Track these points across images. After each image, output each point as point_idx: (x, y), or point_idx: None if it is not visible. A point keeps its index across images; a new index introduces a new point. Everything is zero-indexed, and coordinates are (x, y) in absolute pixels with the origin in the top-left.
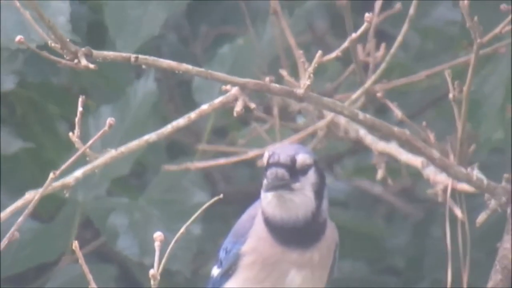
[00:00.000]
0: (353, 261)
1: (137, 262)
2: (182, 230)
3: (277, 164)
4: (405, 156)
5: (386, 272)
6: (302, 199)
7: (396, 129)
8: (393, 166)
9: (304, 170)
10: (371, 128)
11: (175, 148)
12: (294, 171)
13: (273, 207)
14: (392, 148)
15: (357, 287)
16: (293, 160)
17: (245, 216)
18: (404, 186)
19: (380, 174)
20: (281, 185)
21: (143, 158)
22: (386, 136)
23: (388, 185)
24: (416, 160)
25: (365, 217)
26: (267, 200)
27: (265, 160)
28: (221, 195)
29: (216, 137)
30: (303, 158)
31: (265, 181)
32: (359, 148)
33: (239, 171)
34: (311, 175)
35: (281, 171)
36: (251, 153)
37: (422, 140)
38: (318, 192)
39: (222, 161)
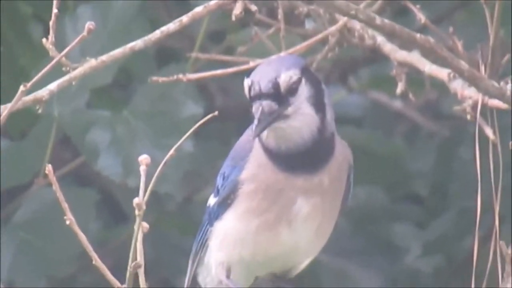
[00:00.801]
0: (369, 188)
1: (120, 183)
2: (173, 149)
3: (260, 96)
4: (429, 67)
5: (406, 200)
6: (302, 120)
7: (418, 36)
8: (415, 78)
9: (292, 89)
10: (390, 35)
11: (165, 55)
12: (281, 96)
13: (273, 140)
14: (414, 58)
15: (374, 217)
16: (276, 85)
17: (244, 137)
18: (427, 101)
19: (400, 87)
20: (272, 119)
21: (128, 65)
22: (407, 44)
23: (410, 100)
24: (441, 72)
25: (383, 136)
26: (264, 135)
27: (246, 91)
28: (216, 112)
29: (212, 43)
30: (286, 77)
31: (254, 120)
32: (376, 57)
33: (238, 82)
34: (303, 90)
35: (266, 104)
36: (252, 63)
37: (448, 49)
38: (318, 103)
39: (218, 72)
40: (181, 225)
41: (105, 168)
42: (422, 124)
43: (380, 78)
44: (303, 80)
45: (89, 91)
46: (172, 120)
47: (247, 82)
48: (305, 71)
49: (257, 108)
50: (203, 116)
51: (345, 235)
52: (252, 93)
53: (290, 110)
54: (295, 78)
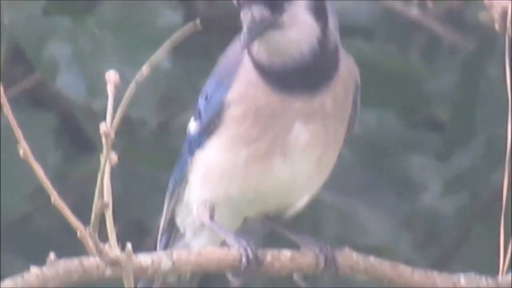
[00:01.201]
0: (380, 111)
1: (83, 106)
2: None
3: (250, 1)
4: None
5: (424, 126)
6: (299, 30)
7: None
8: None
9: None
10: None
11: None
12: (275, 1)
13: (265, 54)
14: None
15: (385, 147)
16: None
17: (231, 51)
18: (449, 9)
19: None
20: (263, 28)
21: None
22: None
23: (428, 7)
24: None
25: (397, 50)
26: (255, 47)
27: None
28: (198, 21)
29: None
30: None
31: (243, 29)
32: None
33: None
34: None
35: (257, 10)
36: None
37: None
38: (318, 10)
39: None
40: (156, 156)
41: (66, 87)
42: (442, 36)
43: None
44: None
45: None
46: (146, 31)
47: None
48: None
49: (246, 15)
50: (183, 26)
51: (351, 168)
52: None
53: (285, 17)
54: None
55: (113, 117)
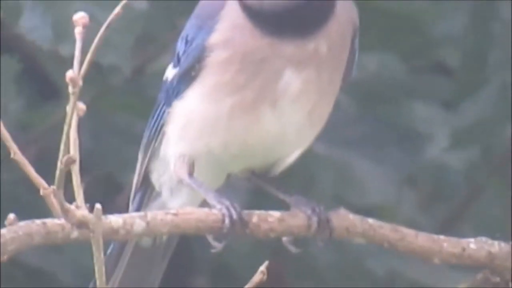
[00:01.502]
0: (381, 55)
1: (49, 51)
2: (120, 5)
3: None
4: None
5: (430, 71)
6: None
7: None
8: None
9: None
10: None
11: None
12: None
13: None
14: None
15: (387, 94)
16: None
17: None
18: None
19: None
20: None
21: None
22: None
23: None
24: None
25: None
26: None
27: None
28: None
29: None
30: None
31: None
32: None
33: None
34: None
35: None
36: None
37: None
38: None
39: None
40: (130, 104)
41: (30, 30)
42: None
43: None
44: None
45: None
46: None
47: None
48: None
49: None
50: None
51: (348, 117)
52: None
53: None
54: None
55: (81, 63)
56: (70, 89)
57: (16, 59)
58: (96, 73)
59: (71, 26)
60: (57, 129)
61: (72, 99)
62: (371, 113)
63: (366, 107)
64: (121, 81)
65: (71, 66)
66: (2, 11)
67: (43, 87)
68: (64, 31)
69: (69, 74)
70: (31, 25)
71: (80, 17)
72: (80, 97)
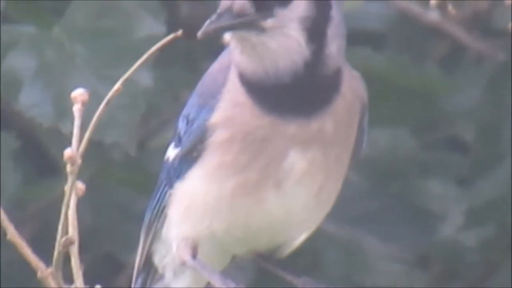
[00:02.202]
0: (393, 130)
1: (49, 128)
2: (120, 81)
3: None
4: None
5: (444, 147)
6: (282, 43)
7: None
8: None
9: None
10: None
11: None
12: (265, 0)
13: (240, 55)
14: None
15: (399, 170)
16: None
17: (215, 66)
18: (474, 13)
19: None
20: (237, 23)
21: None
22: None
23: (450, 11)
24: None
25: (412, 60)
26: (233, 44)
27: None
28: (180, 32)
29: None
30: None
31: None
32: None
33: None
34: (300, 5)
35: (240, 1)
36: None
37: None
38: (316, 31)
39: None
40: (131, 180)
41: (30, 106)
42: (466, 44)
43: None
44: None
45: None
46: (123, 41)
47: None
48: None
49: (225, 3)
50: (166, 36)
51: (359, 194)
52: None
53: (269, 22)
54: None
55: (78, 144)
56: (69, 167)
57: (14, 136)
58: (97, 148)
59: (71, 102)
60: (56, 205)
61: (70, 178)
62: (383, 190)
63: (377, 184)
64: (122, 155)
65: (71, 142)
66: (0, 86)
67: (41, 163)
68: (64, 108)
69: (68, 152)
70: (31, 102)
71: (79, 93)
72: (80, 172)
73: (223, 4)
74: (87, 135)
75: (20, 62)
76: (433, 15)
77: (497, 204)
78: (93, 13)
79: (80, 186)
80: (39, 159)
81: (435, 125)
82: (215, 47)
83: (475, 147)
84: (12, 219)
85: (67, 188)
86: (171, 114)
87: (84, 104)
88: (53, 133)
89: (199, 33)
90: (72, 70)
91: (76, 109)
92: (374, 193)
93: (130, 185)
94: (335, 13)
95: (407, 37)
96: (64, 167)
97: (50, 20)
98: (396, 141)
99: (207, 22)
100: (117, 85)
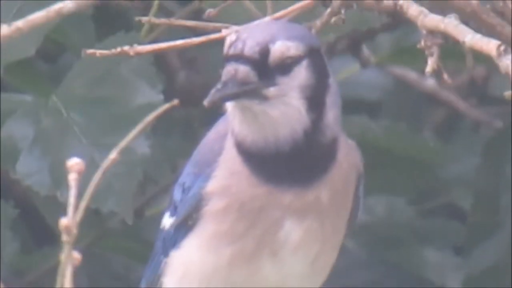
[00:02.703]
0: (389, 198)
1: (46, 196)
2: (116, 150)
3: (240, 57)
4: (470, 38)
5: (442, 215)
6: (283, 111)
7: None
8: (453, 49)
9: (285, 66)
10: None
11: (110, 18)
12: (267, 69)
13: (240, 124)
14: (450, 25)
15: (396, 238)
16: (265, 52)
17: (211, 135)
18: (470, 81)
19: (431, 65)
20: (241, 91)
21: (58, 33)
22: (441, 8)
23: (446, 79)
24: (488, 44)
25: (408, 128)
26: (232, 114)
27: (225, 48)
28: (176, 101)
29: (174, 3)
30: (283, 47)
31: (217, 84)
32: (399, 21)
33: (209, 55)
34: (301, 73)
35: (243, 69)
36: (225, 31)
37: (497, 14)
38: (315, 99)
39: (178, 42)
40: (128, 248)
41: (27, 175)
42: (462, 111)
43: (405, 48)
44: (305, 62)
45: (3, 67)
46: (121, 110)
47: (231, 37)
48: (313, 53)
49: (228, 71)
50: (163, 103)
51: (355, 262)
52: (230, 52)
53: (272, 91)
54: (294, 53)
55: (74, 214)
56: (65, 237)
57: (12, 204)
58: (94, 216)
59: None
60: (54, 273)
61: (66, 247)
62: (379, 258)
63: (373, 252)
64: (119, 223)
65: (67, 211)
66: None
67: (38, 231)
68: (62, 176)
69: (63, 222)
70: (28, 170)
71: (75, 163)
72: (77, 240)
73: (227, 72)
74: (82, 204)
75: (18, 130)
76: (429, 83)
77: (495, 274)
78: (90, 81)
79: (76, 255)
80: (36, 227)
81: (432, 192)
82: (212, 115)
83: (472, 215)
84: (11, 286)
85: (63, 257)
86: (168, 183)
87: (80, 173)
88: (50, 202)
89: (206, 102)
90: (69, 138)
91: (72, 178)
92: (371, 262)
93: (127, 253)
94: (332, 81)
95: (403, 105)
96: (61, 236)
97: (47, 88)
98: (393, 208)
99: (213, 90)
100: (113, 154)
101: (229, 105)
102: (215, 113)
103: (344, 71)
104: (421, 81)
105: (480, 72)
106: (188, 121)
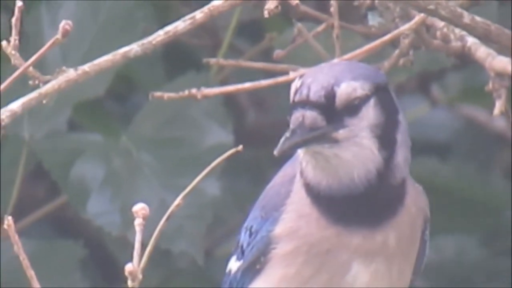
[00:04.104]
0: (458, 237)
1: (117, 237)
2: (184, 192)
3: (306, 103)
4: None
5: (509, 255)
6: (355, 153)
7: None
8: None
9: (353, 107)
10: (484, 37)
11: (180, 58)
12: (335, 112)
13: (313, 170)
14: None
15: (466, 278)
16: (331, 95)
17: (278, 179)
18: None
19: (498, 107)
20: (311, 137)
21: (128, 72)
22: (508, 49)
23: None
24: None
25: (478, 170)
26: (303, 160)
27: (291, 96)
28: (241, 147)
29: (243, 42)
30: (348, 88)
31: (286, 132)
32: (468, 61)
33: (277, 95)
34: (369, 113)
35: (310, 115)
36: (293, 73)
37: None
38: (386, 137)
39: (248, 85)
40: None
41: (97, 215)
42: None
43: (475, 88)
44: (373, 101)
45: (72, 106)
46: (191, 150)
47: (296, 83)
48: (380, 90)
49: (296, 118)
50: (234, 145)
51: None
52: (296, 98)
53: (341, 133)
54: (360, 93)
55: (140, 258)
56: (130, 283)
57: (81, 244)
58: (163, 257)
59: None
60: None
61: None
62: None
63: None
64: (188, 263)
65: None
66: (68, 195)
67: (108, 271)
68: (132, 217)
69: (129, 267)
70: (99, 210)
71: (140, 208)
72: (147, 280)
73: (295, 119)
74: (149, 248)
75: (88, 170)
76: (499, 122)
77: None
78: (161, 122)
79: None
80: (106, 267)
81: (502, 233)
82: (281, 157)
83: None
84: None
85: None
86: (237, 224)
87: (145, 218)
88: (120, 242)
89: (276, 151)
90: (139, 179)
91: (138, 223)
92: None
93: None
94: (402, 118)
95: (473, 145)
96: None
97: (117, 129)
98: (462, 248)
99: (282, 139)
100: (180, 196)
101: (300, 152)
102: (285, 155)
103: (413, 110)
104: (491, 121)
105: None
106: (257, 162)
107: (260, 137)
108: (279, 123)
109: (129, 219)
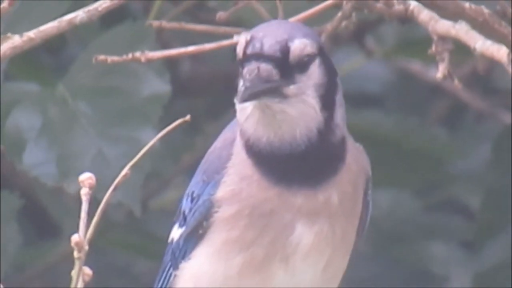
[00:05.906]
0: (395, 192)
1: (53, 188)
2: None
3: (260, 56)
4: (481, 44)
5: (449, 212)
6: (301, 110)
7: (468, 5)
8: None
9: (303, 64)
10: (430, 5)
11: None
12: (287, 66)
13: (255, 124)
14: (462, 30)
15: (402, 233)
16: (285, 49)
17: (218, 143)
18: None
19: (441, 70)
20: (266, 89)
21: None
22: (452, 15)
23: (452, 70)
24: (499, 51)
25: (415, 122)
26: (246, 114)
27: (240, 49)
28: (188, 117)
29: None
30: (301, 44)
31: (240, 85)
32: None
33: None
34: (315, 72)
35: (265, 67)
36: (237, 37)
37: (509, 23)
38: (327, 97)
39: (191, 49)
40: (130, 242)
41: (33, 166)
42: (470, 104)
43: (411, 41)
44: (318, 60)
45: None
46: (128, 101)
47: (244, 36)
48: (322, 51)
49: (251, 70)
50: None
51: (360, 257)
52: (249, 51)
53: (292, 89)
54: (310, 50)
55: (86, 228)
56: (76, 253)
57: (17, 197)
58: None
59: (77, 161)
60: (54, 269)
61: (77, 264)
62: (384, 253)
63: (378, 247)
64: (122, 216)
65: (74, 203)
66: (3, 144)
67: (42, 223)
68: (68, 167)
69: (75, 238)
70: (35, 161)
71: (86, 177)
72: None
73: (251, 71)
74: (94, 220)
75: (24, 120)
76: (434, 74)
77: (504, 270)
78: (97, 71)
79: (87, 271)
80: (40, 220)
81: (438, 186)
82: (215, 107)
83: (481, 211)
84: (14, 280)
85: (73, 273)
86: (171, 176)
87: (91, 188)
88: (54, 193)
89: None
90: (76, 128)
91: (84, 193)
92: (375, 256)
93: (129, 248)
94: (339, 81)
95: (409, 97)
96: (66, 227)
97: (53, 78)
98: (398, 203)
99: (242, 88)
100: (125, 169)
101: (250, 104)
102: (219, 105)
103: (348, 62)
104: (426, 72)
105: (481, 64)
106: (193, 112)
107: (195, 87)
108: (214, 74)
109: (65, 169)
